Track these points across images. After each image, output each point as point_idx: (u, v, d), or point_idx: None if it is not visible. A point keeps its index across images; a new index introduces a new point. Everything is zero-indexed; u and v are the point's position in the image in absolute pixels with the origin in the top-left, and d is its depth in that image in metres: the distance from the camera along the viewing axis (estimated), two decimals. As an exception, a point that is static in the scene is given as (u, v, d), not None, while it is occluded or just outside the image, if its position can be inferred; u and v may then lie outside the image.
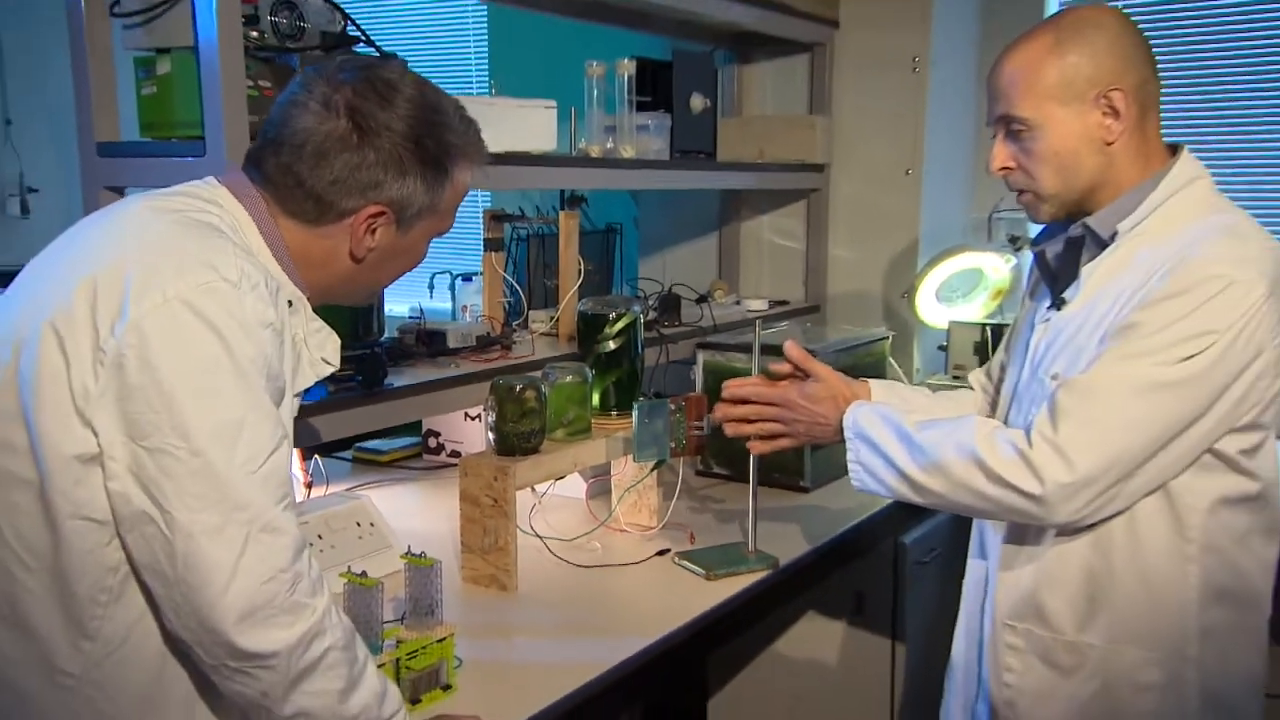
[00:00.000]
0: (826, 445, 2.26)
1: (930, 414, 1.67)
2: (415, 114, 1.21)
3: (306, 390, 1.26)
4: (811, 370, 1.71)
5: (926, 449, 1.50)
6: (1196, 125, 2.81)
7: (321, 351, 1.25)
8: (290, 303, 1.21)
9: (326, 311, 1.30)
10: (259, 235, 1.20)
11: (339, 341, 1.29)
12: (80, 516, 1.07)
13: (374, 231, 1.23)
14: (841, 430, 1.62)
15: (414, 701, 1.41)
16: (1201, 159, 1.54)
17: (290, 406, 1.19)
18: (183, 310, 1.05)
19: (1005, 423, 1.60)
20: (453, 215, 1.32)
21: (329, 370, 1.27)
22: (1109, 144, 1.48)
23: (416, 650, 1.44)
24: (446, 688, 1.47)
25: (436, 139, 1.22)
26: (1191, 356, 1.36)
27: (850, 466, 1.60)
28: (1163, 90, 1.54)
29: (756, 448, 1.79)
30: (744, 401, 1.76)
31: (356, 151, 1.18)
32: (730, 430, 1.78)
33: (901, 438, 1.53)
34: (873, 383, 1.76)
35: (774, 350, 1.81)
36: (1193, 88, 2.81)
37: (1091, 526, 1.47)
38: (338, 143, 1.18)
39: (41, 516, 1.07)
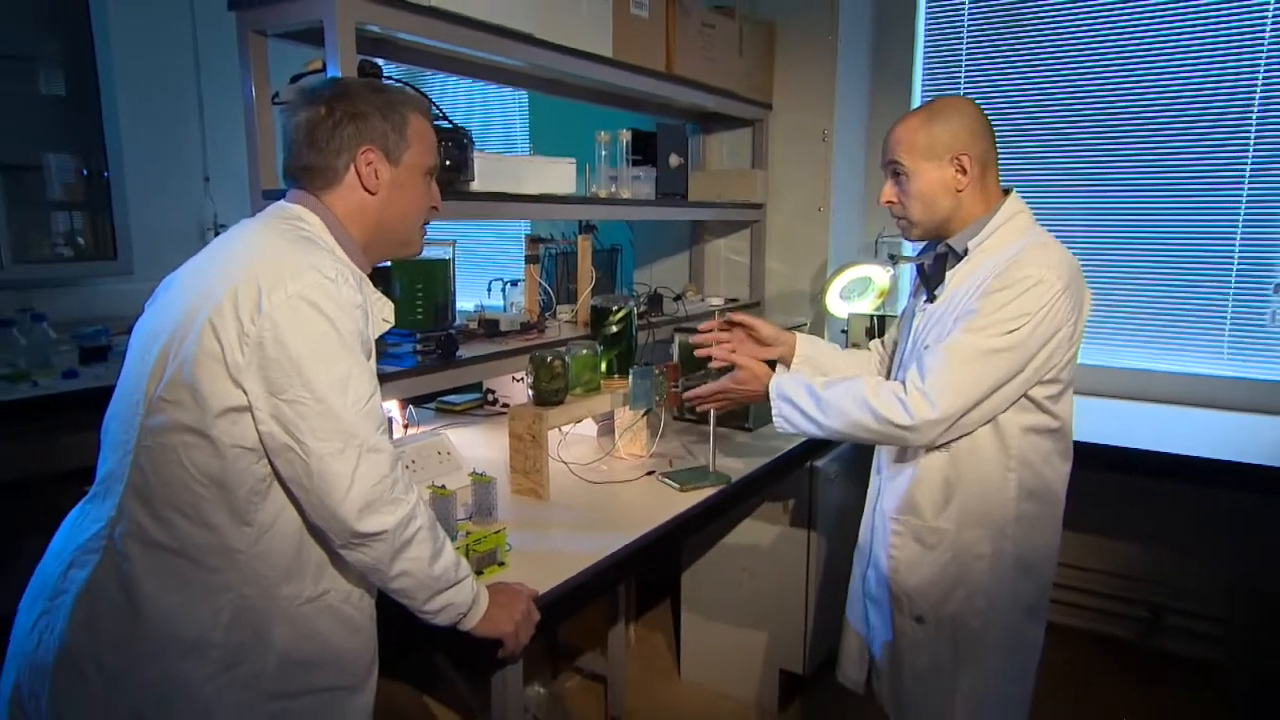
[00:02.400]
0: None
1: (836, 369, 1.69)
2: (359, 82, 1.20)
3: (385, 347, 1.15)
4: (736, 362, 1.70)
5: (829, 401, 1.50)
6: (1024, 175, 2.82)
7: (382, 314, 1.23)
8: None
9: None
10: (331, 235, 1.18)
11: (393, 305, 1.26)
12: (237, 446, 1.07)
13: (373, 167, 1.18)
14: (768, 395, 1.61)
15: (478, 573, 1.43)
16: (1024, 197, 1.54)
17: (374, 359, 1.17)
18: (301, 303, 1.05)
19: (893, 378, 1.61)
20: (431, 150, 1.23)
21: (387, 327, 1.24)
22: (959, 191, 1.49)
23: (480, 539, 1.45)
24: (501, 564, 1.48)
25: (379, 90, 1.20)
26: (1013, 330, 1.38)
27: (775, 418, 1.59)
28: (1001, 152, 1.54)
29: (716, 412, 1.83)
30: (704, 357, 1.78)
31: (328, 119, 1.16)
32: (700, 407, 1.78)
33: (811, 395, 1.53)
34: (798, 335, 1.77)
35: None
36: (1022, 150, 2.82)
37: (946, 446, 1.49)
38: (317, 121, 1.16)
39: (210, 448, 1.07)
